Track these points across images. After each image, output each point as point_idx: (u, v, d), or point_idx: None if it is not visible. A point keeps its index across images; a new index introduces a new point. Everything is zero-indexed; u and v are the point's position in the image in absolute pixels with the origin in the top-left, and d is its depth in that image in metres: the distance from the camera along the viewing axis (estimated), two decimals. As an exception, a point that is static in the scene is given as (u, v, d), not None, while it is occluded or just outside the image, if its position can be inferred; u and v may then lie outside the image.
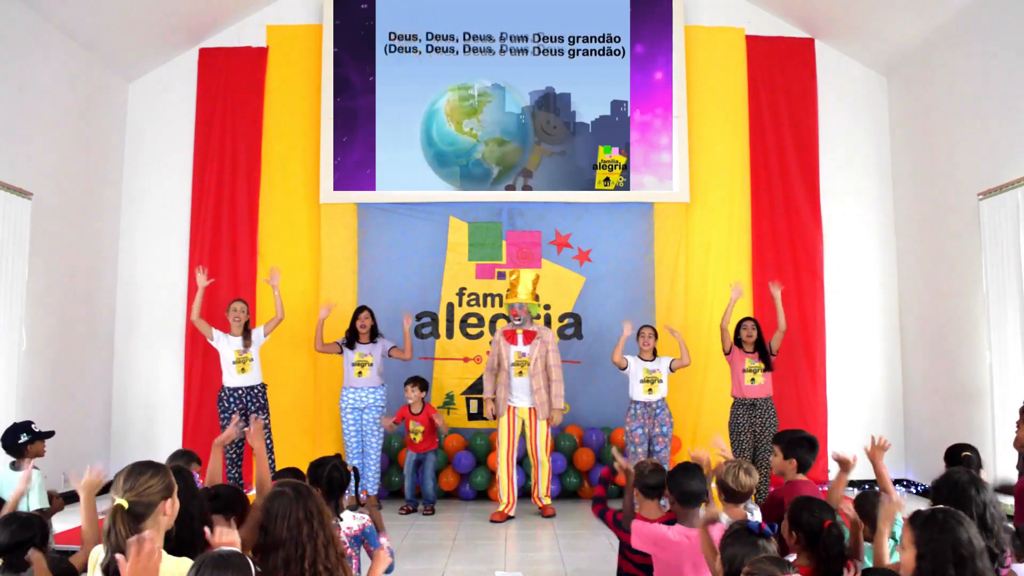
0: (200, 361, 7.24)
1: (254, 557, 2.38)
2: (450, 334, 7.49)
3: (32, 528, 2.81)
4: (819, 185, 7.62)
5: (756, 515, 3.49)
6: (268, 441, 6.18)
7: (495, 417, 6.32)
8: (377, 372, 6.56)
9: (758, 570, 2.16)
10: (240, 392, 6.28)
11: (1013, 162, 5.85)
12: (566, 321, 7.51)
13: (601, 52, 7.70)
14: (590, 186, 7.60)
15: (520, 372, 6.22)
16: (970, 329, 6.42)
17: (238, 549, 2.13)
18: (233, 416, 4.86)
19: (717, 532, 2.83)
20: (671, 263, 7.54)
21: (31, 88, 6.26)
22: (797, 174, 7.60)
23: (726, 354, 6.37)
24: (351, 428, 6.52)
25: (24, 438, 4.25)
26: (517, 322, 6.30)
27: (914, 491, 7.12)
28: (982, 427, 6.12)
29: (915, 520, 2.23)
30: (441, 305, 7.51)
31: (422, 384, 6.53)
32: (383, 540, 3.29)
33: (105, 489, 3.11)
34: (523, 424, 6.25)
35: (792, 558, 2.66)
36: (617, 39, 7.71)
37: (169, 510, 2.30)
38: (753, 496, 5.67)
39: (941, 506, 2.28)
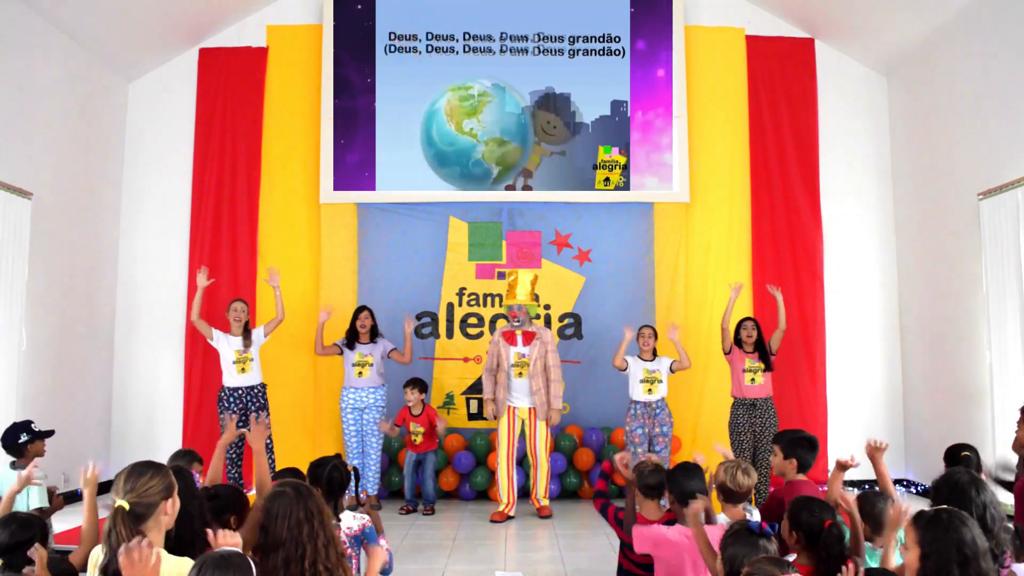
0: (200, 361, 7.24)
1: (254, 557, 2.38)
2: (450, 334, 7.49)
3: (32, 528, 2.81)
4: (819, 185, 7.62)
5: (755, 517, 3.49)
6: (268, 441, 6.19)
7: (495, 418, 6.32)
8: (377, 372, 6.56)
9: (758, 570, 2.16)
10: (240, 392, 6.28)
11: (1013, 162, 5.85)
12: (566, 321, 7.51)
13: (601, 52, 7.70)
14: (590, 186, 7.60)
15: (520, 373, 6.22)
16: (970, 329, 6.42)
17: (239, 549, 2.13)
18: (232, 416, 4.85)
19: (715, 533, 2.83)
20: (671, 263, 7.54)
21: (31, 88, 6.26)
22: (797, 174, 7.60)
23: (726, 354, 6.37)
24: (351, 428, 6.53)
25: (24, 438, 4.25)
26: (516, 323, 6.30)
27: (914, 491, 7.12)
28: (982, 427, 6.12)
29: (919, 520, 2.23)
30: (441, 305, 7.51)
31: (421, 386, 6.53)
32: (382, 541, 3.29)
33: (105, 488, 3.12)
34: (523, 424, 6.25)
35: (792, 558, 2.66)
36: (617, 39, 7.71)
37: (170, 510, 2.31)
38: (753, 496, 5.69)
39: (945, 506, 2.28)
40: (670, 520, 3.35)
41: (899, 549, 2.73)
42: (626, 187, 7.59)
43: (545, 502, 6.23)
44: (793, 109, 7.66)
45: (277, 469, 4.26)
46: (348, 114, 7.58)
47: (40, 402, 6.19)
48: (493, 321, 7.43)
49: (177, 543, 2.42)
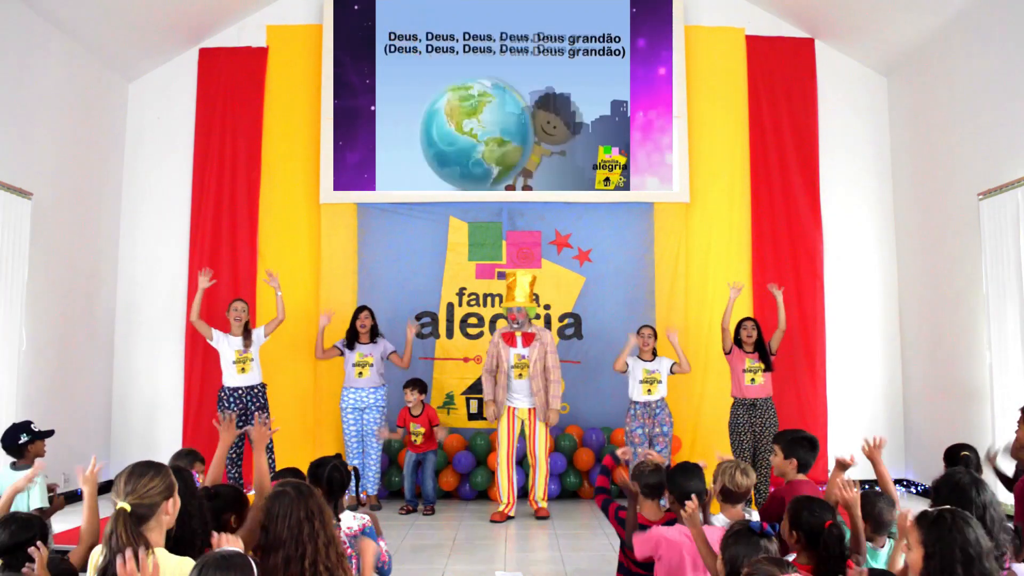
0: (200, 361, 7.24)
1: (255, 556, 2.38)
2: (450, 334, 7.49)
3: (32, 528, 2.80)
4: (819, 185, 7.62)
5: (753, 519, 3.49)
6: (268, 441, 6.17)
7: (496, 419, 6.31)
8: (377, 372, 6.57)
9: (758, 570, 2.16)
10: (240, 392, 6.29)
11: (1013, 162, 5.85)
12: (566, 321, 7.51)
13: (601, 52, 7.70)
14: (590, 186, 7.60)
15: (520, 374, 6.22)
16: (970, 329, 6.42)
17: (240, 549, 2.14)
18: (232, 415, 4.83)
19: (714, 534, 2.83)
20: (671, 263, 7.54)
21: (31, 88, 6.26)
22: (797, 174, 7.60)
23: (726, 354, 6.37)
24: (351, 428, 6.53)
25: (24, 438, 4.25)
26: (516, 325, 6.29)
27: (914, 491, 7.12)
28: (982, 427, 6.12)
29: (923, 520, 2.23)
30: (441, 305, 7.51)
31: (421, 387, 6.52)
32: (382, 543, 3.30)
33: (105, 488, 3.11)
34: (522, 425, 6.25)
35: (791, 557, 2.66)
36: (617, 39, 7.71)
37: (171, 510, 2.31)
38: (753, 496, 5.69)
39: (948, 506, 2.28)
40: (670, 520, 3.35)
41: (901, 549, 2.73)
42: (626, 187, 7.59)
43: (543, 504, 6.22)
44: (793, 109, 7.66)
45: (277, 469, 4.26)
46: (348, 114, 7.58)
47: (40, 402, 6.19)
48: (493, 321, 7.43)
49: (177, 543, 2.42)
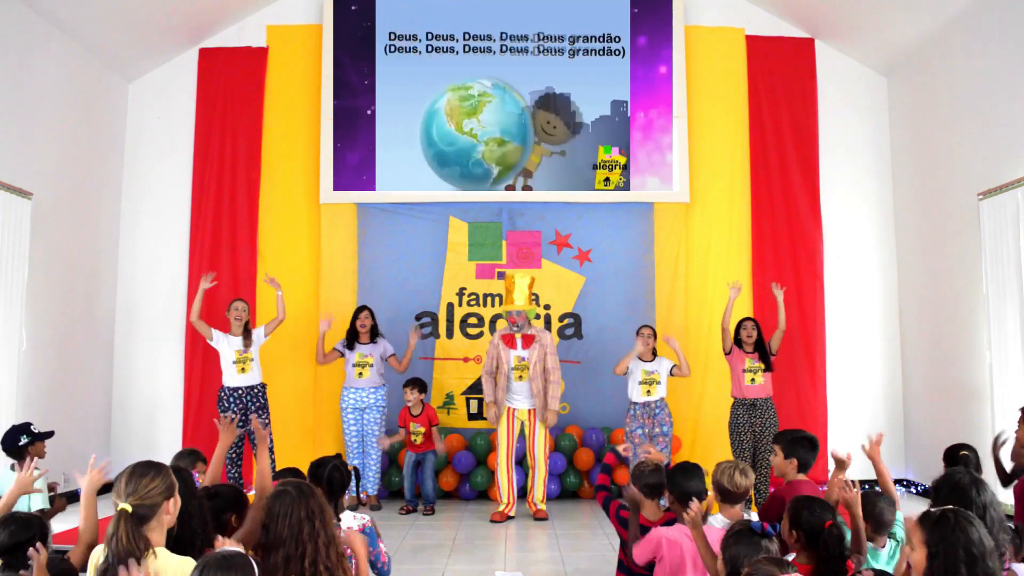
0: (200, 361, 7.24)
1: (255, 556, 2.38)
2: (450, 334, 7.49)
3: (32, 528, 2.80)
4: (819, 185, 7.62)
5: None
6: (269, 441, 6.18)
7: (498, 421, 6.30)
8: (377, 372, 6.57)
9: (757, 570, 2.16)
10: (240, 392, 6.29)
11: (1013, 162, 5.85)
12: (566, 321, 7.51)
13: (601, 52, 7.70)
14: (590, 186, 7.60)
15: (520, 376, 6.21)
16: (970, 329, 6.42)
17: (240, 549, 2.14)
18: (232, 417, 4.84)
19: (714, 535, 2.83)
20: (671, 263, 7.54)
21: (31, 88, 6.26)
22: (797, 174, 7.60)
23: (726, 354, 6.37)
24: (352, 428, 6.53)
25: (24, 440, 4.25)
26: (516, 328, 6.29)
27: (914, 491, 7.12)
28: (982, 427, 6.12)
29: (926, 520, 2.23)
30: (441, 305, 7.51)
31: (421, 386, 6.52)
32: (381, 545, 3.30)
33: (105, 489, 3.11)
34: (522, 425, 6.24)
35: (791, 557, 2.66)
36: (617, 39, 7.71)
37: (172, 509, 2.31)
38: (753, 495, 5.69)
39: (951, 506, 2.28)
40: (670, 520, 3.35)
41: (903, 549, 2.73)
42: (626, 187, 7.59)
43: (542, 506, 6.21)
44: (793, 109, 7.66)
45: (277, 469, 4.25)
46: (348, 114, 7.58)
47: (40, 402, 6.19)
48: (493, 321, 7.43)
49: (177, 542, 2.42)
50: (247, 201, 7.51)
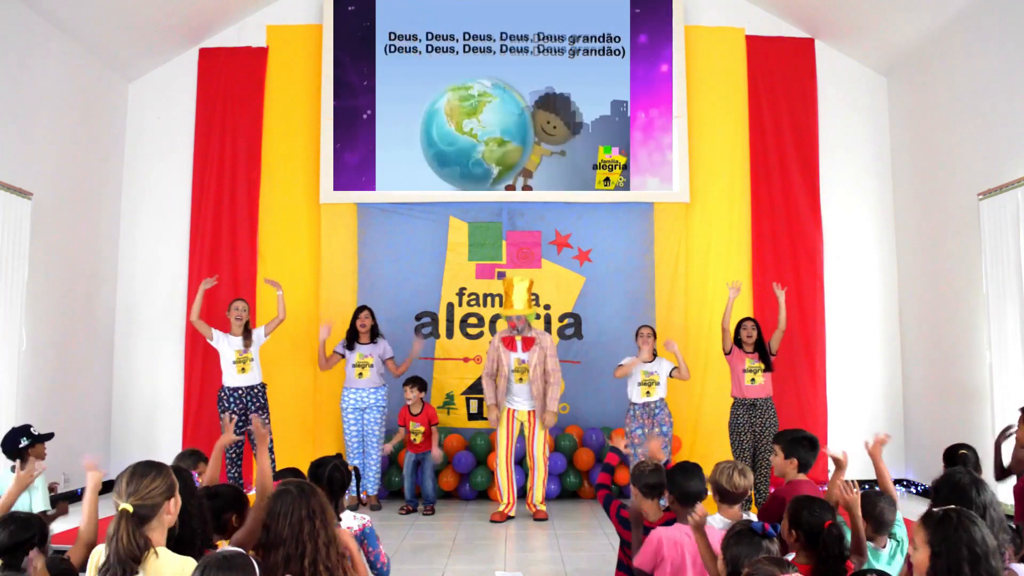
0: (200, 361, 7.24)
1: (256, 555, 2.39)
2: (450, 334, 7.49)
3: (31, 528, 2.80)
4: (819, 185, 7.62)
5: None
6: (269, 441, 6.18)
7: (499, 422, 6.29)
8: (377, 373, 6.57)
9: (758, 570, 2.16)
10: (240, 392, 6.29)
11: (1013, 162, 5.85)
12: (566, 321, 7.51)
13: (601, 52, 7.70)
14: (590, 186, 7.60)
15: (520, 379, 6.21)
16: (970, 329, 6.42)
17: (241, 549, 2.14)
18: (232, 417, 4.85)
19: (715, 536, 2.83)
20: (671, 263, 7.54)
21: (31, 88, 6.26)
22: (797, 174, 7.60)
23: (726, 354, 6.37)
24: (352, 428, 6.53)
25: (24, 442, 4.25)
26: (515, 331, 6.28)
27: (914, 491, 7.12)
28: (982, 427, 6.12)
29: (929, 520, 2.23)
30: (441, 305, 7.51)
31: (421, 384, 6.52)
32: (380, 546, 3.31)
33: (106, 488, 3.11)
34: (522, 426, 6.24)
35: (790, 557, 2.66)
36: (617, 39, 7.71)
37: (173, 509, 2.31)
38: (753, 495, 5.69)
39: (953, 506, 2.28)
40: (670, 520, 3.35)
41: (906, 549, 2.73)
42: (626, 187, 7.59)
43: (541, 507, 6.20)
44: (793, 109, 7.66)
45: (277, 469, 4.25)
46: (348, 114, 7.58)
47: (40, 403, 6.19)
48: (493, 321, 7.43)
49: (177, 542, 2.42)
50: (247, 201, 7.51)
